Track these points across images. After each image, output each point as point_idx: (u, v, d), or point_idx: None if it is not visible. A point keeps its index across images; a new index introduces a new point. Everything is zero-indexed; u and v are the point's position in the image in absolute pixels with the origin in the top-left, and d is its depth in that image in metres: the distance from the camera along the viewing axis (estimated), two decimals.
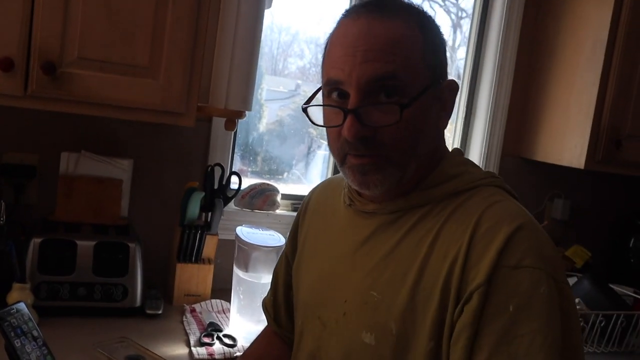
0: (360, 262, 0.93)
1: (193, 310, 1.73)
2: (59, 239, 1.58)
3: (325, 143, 2.28)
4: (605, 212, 2.57)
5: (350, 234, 0.97)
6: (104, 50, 1.43)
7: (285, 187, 2.16)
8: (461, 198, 0.88)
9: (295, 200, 2.16)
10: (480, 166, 2.27)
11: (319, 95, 0.93)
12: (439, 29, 0.91)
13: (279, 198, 2.09)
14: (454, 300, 0.80)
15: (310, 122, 0.92)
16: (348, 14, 0.88)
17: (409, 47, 0.83)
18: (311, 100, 0.92)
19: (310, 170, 2.32)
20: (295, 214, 2.07)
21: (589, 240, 2.44)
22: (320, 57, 2.18)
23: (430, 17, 0.90)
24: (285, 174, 2.28)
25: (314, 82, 2.26)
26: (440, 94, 0.89)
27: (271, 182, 2.11)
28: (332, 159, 2.21)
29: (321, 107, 0.91)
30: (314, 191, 1.18)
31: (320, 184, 1.19)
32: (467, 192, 0.88)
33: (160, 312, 1.66)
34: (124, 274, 1.61)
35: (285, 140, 2.26)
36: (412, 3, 0.90)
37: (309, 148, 2.30)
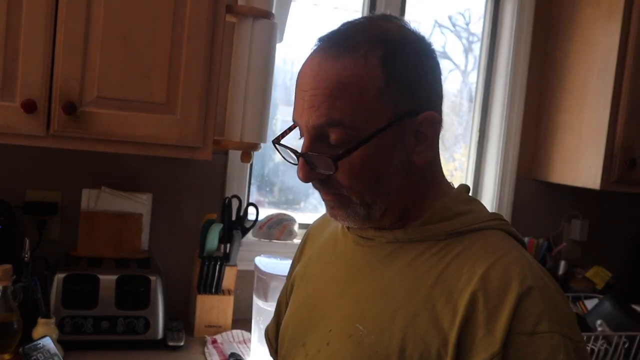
0: (350, 290, 0.88)
1: (214, 341, 1.74)
2: (81, 273, 1.62)
3: None
4: (623, 232, 2.55)
5: (343, 259, 0.93)
6: (122, 88, 1.48)
7: (302, 217, 2.18)
8: (465, 240, 0.82)
9: None
10: (496, 190, 2.31)
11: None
12: (419, 57, 0.82)
13: (296, 227, 2.11)
14: None
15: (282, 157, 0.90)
16: (313, 48, 0.84)
17: (359, 88, 0.78)
18: (283, 136, 0.89)
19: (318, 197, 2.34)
20: None
21: (609, 260, 2.42)
22: None
23: (407, 44, 0.81)
24: (302, 204, 2.30)
25: None
26: (417, 127, 0.82)
27: (288, 212, 2.13)
28: None
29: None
30: (315, 222, 1.14)
31: (322, 215, 1.14)
32: (471, 233, 0.83)
33: (182, 344, 1.67)
34: (145, 307, 1.63)
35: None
36: (387, 28, 0.82)
37: None
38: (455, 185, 0.92)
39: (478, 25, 2.45)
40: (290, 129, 0.89)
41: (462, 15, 2.46)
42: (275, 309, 1.16)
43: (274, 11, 1.67)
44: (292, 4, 1.83)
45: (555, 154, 2.23)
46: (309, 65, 0.82)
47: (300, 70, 0.84)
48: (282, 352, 1.00)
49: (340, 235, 0.98)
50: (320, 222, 1.12)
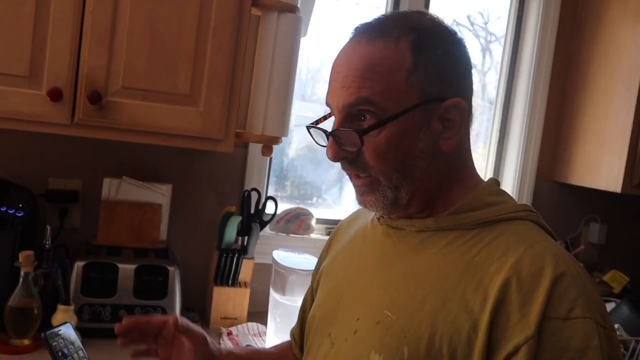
0: (379, 278, 0.90)
1: (230, 334, 1.75)
2: (101, 262, 1.63)
3: None
4: None
5: (372, 249, 0.95)
6: (147, 79, 1.48)
7: (315, 212, 2.18)
8: (496, 230, 0.84)
9: (330, 225, 2.18)
10: (515, 190, 2.30)
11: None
12: (449, 47, 0.86)
13: (313, 222, 2.11)
14: (486, 345, 0.75)
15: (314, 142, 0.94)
16: (349, 35, 0.89)
17: (388, 69, 0.82)
18: (320, 122, 0.95)
19: (341, 195, 2.34)
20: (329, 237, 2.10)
21: (626, 264, 2.40)
22: None
23: (439, 34, 0.86)
24: (315, 199, 2.31)
25: None
26: (444, 114, 0.85)
27: (304, 206, 2.13)
28: None
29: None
30: (344, 219, 1.17)
31: (352, 213, 1.18)
32: (501, 223, 0.85)
33: None
34: (163, 297, 1.64)
35: (316, 165, 2.29)
36: (422, 18, 0.87)
37: (339, 173, 2.32)
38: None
39: (496, 25, 2.43)
40: (326, 117, 0.95)
41: (481, 14, 2.45)
42: (300, 307, 1.18)
43: (299, 5, 1.67)
44: None
45: (576, 156, 2.22)
46: (344, 50, 0.87)
47: (336, 56, 0.88)
48: (307, 342, 1.01)
49: (369, 228, 1.00)
50: (349, 219, 1.14)
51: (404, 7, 2.15)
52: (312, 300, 1.10)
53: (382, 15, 0.89)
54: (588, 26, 2.22)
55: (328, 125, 0.91)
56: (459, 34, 0.89)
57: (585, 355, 0.72)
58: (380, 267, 0.91)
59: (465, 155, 0.92)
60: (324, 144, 0.89)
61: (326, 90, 0.90)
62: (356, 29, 0.88)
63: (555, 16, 2.27)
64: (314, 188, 2.30)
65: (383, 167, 0.85)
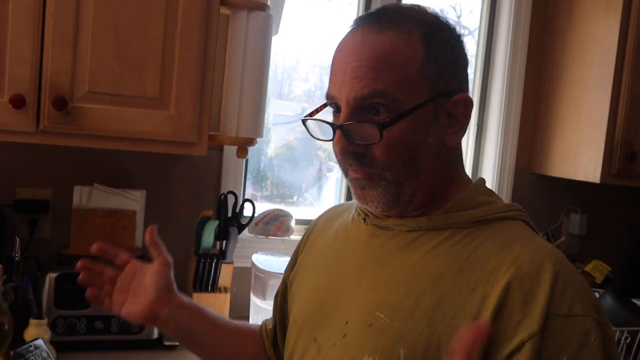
0: (367, 279, 0.87)
1: None
2: (74, 272, 1.56)
3: (336, 165, 2.27)
4: (622, 226, 2.53)
5: (359, 250, 0.92)
6: (114, 83, 1.44)
7: (296, 210, 2.15)
8: (489, 229, 0.84)
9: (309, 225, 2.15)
10: (495, 184, 2.28)
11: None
12: (453, 41, 0.86)
13: (293, 223, 2.08)
14: (489, 343, 0.74)
15: (310, 135, 0.92)
16: (352, 25, 0.87)
17: (402, 61, 0.80)
18: (315, 113, 0.91)
19: (321, 193, 2.32)
20: None
21: (607, 254, 2.41)
22: (325, 79, 2.18)
23: (444, 28, 0.86)
24: (296, 197, 2.28)
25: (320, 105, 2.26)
26: (450, 110, 0.84)
27: (282, 206, 2.10)
28: (345, 182, 2.20)
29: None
30: (321, 215, 1.13)
31: (329, 208, 1.15)
32: (493, 222, 0.85)
33: (178, 343, 1.64)
34: None
35: (295, 163, 2.26)
36: (426, 11, 0.86)
37: (319, 171, 2.29)
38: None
39: (468, 18, 2.42)
40: (322, 107, 0.91)
41: (454, 8, 2.43)
42: (274, 300, 1.14)
43: (269, 3, 1.63)
44: None
45: (554, 148, 2.21)
46: (351, 39, 0.84)
47: (339, 45, 0.86)
48: (288, 349, 0.97)
49: (352, 227, 0.97)
50: (327, 216, 1.10)
51: (376, 3, 2.12)
52: (284, 297, 1.08)
53: (384, 6, 0.87)
54: (560, 18, 2.22)
55: (322, 117, 0.89)
56: (458, 28, 0.88)
57: (583, 352, 0.73)
58: (368, 268, 0.89)
59: (460, 153, 0.92)
60: (325, 138, 0.86)
61: (329, 80, 0.87)
62: (360, 19, 0.86)
63: (528, 9, 2.27)
64: (294, 187, 2.27)
65: (392, 162, 0.82)
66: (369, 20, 0.84)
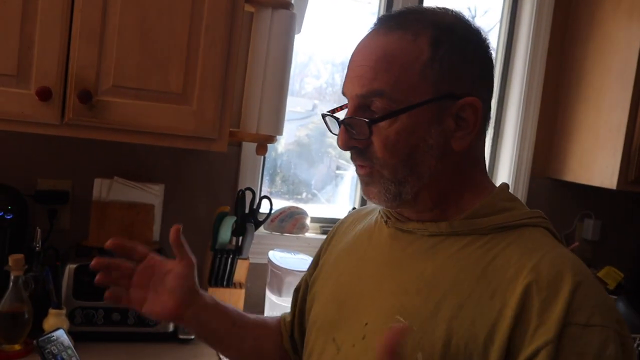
0: (389, 283, 0.88)
1: None
2: None
3: (348, 164, 2.28)
4: (635, 233, 2.53)
5: (381, 253, 0.93)
6: (139, 78, 1.45)
7: (304, 207, 2.15)
8: (510, 235, 0.83)
9: (324, 223, 2.16)
10: (510, 187, 2.28)
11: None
12: (469, 45, 0.85)
13: (308, 221, 2.09)
14: (504, 352, 0.75)
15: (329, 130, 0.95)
16: (370, 28, 0.89)
17: (403, 61, 0.82)
18: (339, 110, 0.94)
19: (337, 192, 2.32)
20: (323, 237, 2.07)
21: (621, 261, 2.40)
22: (336, 77, 2.17)
23: (460, 31, 0.85)
24: (305, 194, 2.28)
25: (331, 102, 2.27)
26: (458, 112, 0.83)
27: (291, 203, 2.11)
28: (357, 180, 2.21)
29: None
30: (346, 217, 1.14)
31: (354, 210, 1.16)
32: (515, 229, 0.84)
33: (193, 337, 1.65)
34: None
35: (305, 160, 2.26)
36: (445, 14, 0.86)
37: (329, 168, 2.30)
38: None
39: (483, 19, 2.42)
40: (342, 107, 0.93)
41: (469, 9, 2.42)
42: (294, 295, 1.15)
43: (293, 1, 1.64)
44: None
45: (571, 153, 2.21)
46: (363, 40, 0.87)
47: (356, 45, 0.88)
48: (307, 347, 0.98)
49: (375, 229, 0.98)
50: (352, 218, 1.11)
51: (398, 1, 2.12)
52: (304, 295, 1.08)
53: (406, 8, 0.89)
54: (581, 22, 2.21)
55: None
56: (483, 33, 0.88)
57: None
58: (389, 271, 0.89)
59: (478, 158, 0.91)
60: (337, 132, 0.89)
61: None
62: (377, 20, 0.88)
63: (549, 13, 2.26)
64: (304, 184, 2.28)
65: (390, 159, 0.84)
66: (382, 22, 0.86)
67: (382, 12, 2.14)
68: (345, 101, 0.91)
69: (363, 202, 2.20)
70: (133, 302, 0.99)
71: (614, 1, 2.06)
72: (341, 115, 0.91)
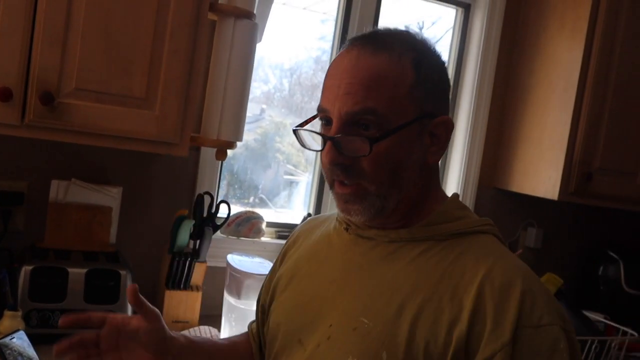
0: (351, 287, 0.93)
1: None
2: (50, 266, 1.59)
3: (293, 167, 2.32)
4: (576, 241, 2.66)
5: (342, 258, 0.98)
6: (102, 81, 1.46)
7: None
8: (464, 242, 0.90)
9: (280, 228, 2.20)
10: (460, 196, 2.37)
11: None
12: (439, 66, 0.93)
13: (264, 226, 2.13)
14: (462, 352, 0.81)
15: (300, 144, 0.97)
16: (347, 44, 0.92)
17: (394, 82, 0.86)
18: (306, 124, 0.97)
19: (286, 197, 2.36)
20: (279, 241, 2.12)
21: (561, 268, 2.52)
22: (284, 82, 2.21)
23: (432, 54, 0.93)
24: (252, 198, 2.30)
25: (279, 107, 2.30)
26: (432, 129, 0.91)
27: (238, 207, 2.13)
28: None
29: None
30: (299, 228, 1.18)
31: (306, 221, 1.20)
32: (468, 235, 0.91)
33: None
34: (115, 301, 1.62)
35: (253, 164, 2.29)
36: (417, 37, 0.93)
37: (277, 172, 2.33)
38: None
39: (430, 32, 2.50)
40: (312, 118, 0.97)
41: (418, 22, 2.50)
42: (257, 309, 1.18)
43: (255, 11, 1.68)
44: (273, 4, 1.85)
45: (517, 165, 2.32)
46: (346, 57, 0.89)
47: (334, 62, 0.92)
48: (273, 350, 1.02)
49: (334, 236, 1.03)
50: (308, 226, 1.16)
51: (355, 14, 2.19)
52: (268, 303, 1.10)
53: (377, 29, 0.94)
54: (528, 42, 2.33)
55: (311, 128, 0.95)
56: (442, 56, 0.95)
57: (554, 358, 0.79)
58: (351, 275, 0.94)
59: (437, 169, 0.99)
60: (315, 148, 0.93)
61: (321, 94, 0.93)
62: (355, 40, 0.92)
63: (498, 29, 2.37)
64: (251, 188, 2.29)
65: (377, 175, 0.89)
66: (363, 42, 0.90)
67: (339, 23, 2.21)
68: (309, 114, 0.95)
69: (318, 208, 2.25)
70: None
71: (559, 23, 2.18)
72: (310, 126, 0.95)
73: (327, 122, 0.91)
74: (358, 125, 0.87)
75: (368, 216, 0.92)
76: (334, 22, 2.24)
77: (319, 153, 0.95)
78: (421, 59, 0.90)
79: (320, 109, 0.92)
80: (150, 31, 1.48)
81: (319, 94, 2.35)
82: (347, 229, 1.00)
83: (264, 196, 2.29)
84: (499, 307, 0.81)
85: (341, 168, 0.89)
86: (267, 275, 1.17)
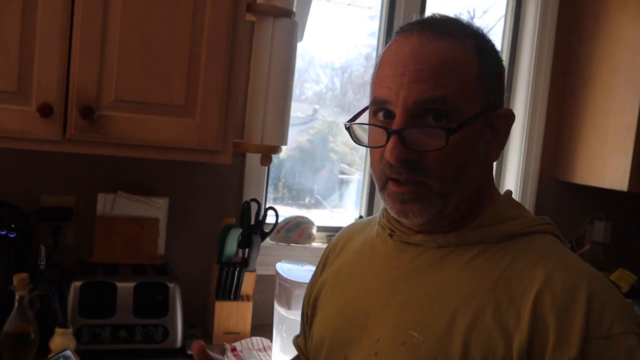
0: (398, 297, 0.85)
1: (234, 349, 1.70)
2: (98, 281, 1.58)
3: (347, 167, 2.25)
4: None
5: (387, 267, 0.90)
6: (140, 91, 1.43)
7: (308, 214, 2.13)
8: (520, 244, 0.82)
9: (331, 232, 2.13)
10: (518, 191, 2.26)
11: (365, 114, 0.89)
12: (497, 54, 0.86)
13: (314, 230, 2.06)
14: None
15: (354, 141, 0.87)
16: (401, 32, 0.84)
17: (462, 69, 0.79)
18: (356, 118, 0.87)
19: (338, 197, 2.30)
20: None
21: (633, 263, 2.37)
22: (336, 81, 2.15)
23: (489, 41, 0.85)
24: (307, 200, 2.25)
25: (331, 106, 2.26)
26: (493, 123, 0.83)
27: (293, 209, 2.08)
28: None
29: (366, 126, 0.86)
30: (339, 234, 1.10)
31: (347, 226, 1.12)
32: (524, 237, 0.83)
33: None
34: (164, 315, 1.59)
35: (307, 166, 2.24)
36: (472, 24, 0.85)
37: (331, 173, 2.27)
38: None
39: (482, 20, 2.40)
40: (363, 111, 0.88)
41: (468, 12, 2.40)
42: (301, 319, 1.11)
43: (294, 9, 1.62)
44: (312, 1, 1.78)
45: (579, 155, 2.18)
46: (406, 44, 0.81)
47: (391, 50, 0.83)
48: None
49: (378, 243, 0.94)
50: (348, 231, 1.07)
51: (400, 6, 2.10)
52: (310, 314, 1.03)
53: (433, 16, 0.86)
54: (588, 21, 2.19)
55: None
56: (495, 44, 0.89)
57: None
58: (398, 285, 0.86)
59: (493, 166, 0.91)
60: (376, 144, 0.82)
61: (375, 85, 0.84)
62: (411, 25, 0.83)
63: (554, 13, 2.24)
64: (306, 190, 2.25)
65: (444, 172, 0.80)
66: (423, 27, 0.81)
67: (384, 17, 2.12)
68: (359, 108, 0.87)
69: (370, 209, 2.18)
70: None
71: (620, 2, 2.04)
72: (363, 119, 0.87)
73: (386, 114, 0.81)
74: (424, 117, 0.78)
75: (428, 218, 0.82)
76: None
77: (369, 150, 0.87)
78: (482, 46, 0.83)
79: (378, 101, 0.82)
80: (187, 37, 1.44)
81: None
82: (391, 235, 0.92)
83: (319, 196, 2.24)
84: (563, 316, 0.72)
85: (406, 165, 0.79)
86: (308, 284, 1.10)
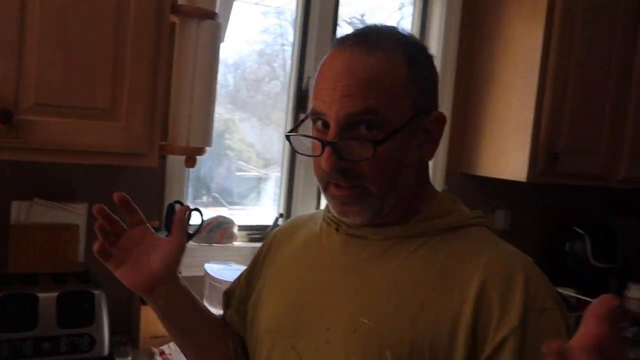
0: (347, 287, 0.91)
1: (162, 353, 1.68)
2: (17, 292, 1.50)
3: (244, 164, 2.26)
4: (544, 221, 2.71)
5: (333, 258, 0.96)
6: (63, 94, 1.38)
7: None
8: (458, 235, 0.90)
9: (252, 231, 2.15)
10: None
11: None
12: (429, 60, 0.92)
13: (235, 230, 2.07)
14: (469, 343, 0.80)
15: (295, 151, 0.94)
16: (336, 45, 0.89)
17: (390, 81, 0.85)
18: (296, 129, 0.93)
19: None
20: (252, 244, 2.07)
21: (530, 248, 2.55)
22: (229, 78, 2.15)
23: (421, 48, 0.92)
24: (205, 198, 2.24)
25: (224, 103, 2.21)
26: (426, 126, 0.90)
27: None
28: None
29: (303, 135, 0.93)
30: (279, 228, 1.15)
31: (288, 221, 1.18)
32: (461, 229, 0.91)
33: (129, 358, 1.60)
34: (90, 323, 1.54)
35: (202, 162, 2.21)
36: (404, 33, 0.92)
37: (229, 169, 2.27)
38: None
39: (403, 24, 2.49)
40: (301, 122, 0.93)
41: (361, 16, 2.46)
42: (224, 300, 1.15)
43: (217, 11, 1.62)
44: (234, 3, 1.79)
45: (483, 149, 2.33)
46: (338, 59, 0.87)
47: (326, 65, 0.89)
48: (260, 356, 0.98)
49: (323, 237, 1.00)
50: (287, 228, 1.12)
51: (315, 7, 2.15)
52: (244, 293, 1.08)
53: (366, 27, 0.92)
54: (488, 23, 2.33)
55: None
56: (429, 49, 0.94)
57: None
58: (346, 276, 0.92)
59: (427, 165, 0.98)
60: (312, 154, 0.89)
61: (313, 97, 0.89)
62: (344, 39, 0.89)
63: (458, 15, 2.36)
64: (203, 186, 2.23)
65: (379, 176, 0.86)
66: (354, 42, 0.87)
67: (299, 20, 2.16)
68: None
69: (288, 206, 2.21)
70: (111, 260, 0.99)
71: (516, 6, 2.20)
72: (301, 130, 0.92)
73: (323, 124, 0.88)
74: (356, 128, 0.85)
75: (367, 217, 0.90)
76: (275, 15, 2.19)
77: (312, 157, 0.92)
78: (414, 56, 0.88)
79: (315, 112, 0.88)
80: (111, 38, 1.40)
81: (264, 87, 2.37)
82: (337, 229, 0.97)
83: (217, 195, 2.22)
84: (505, 296, 0.81)
85: (341, 173, 0.86)
86: (235, 281, 1.14)
